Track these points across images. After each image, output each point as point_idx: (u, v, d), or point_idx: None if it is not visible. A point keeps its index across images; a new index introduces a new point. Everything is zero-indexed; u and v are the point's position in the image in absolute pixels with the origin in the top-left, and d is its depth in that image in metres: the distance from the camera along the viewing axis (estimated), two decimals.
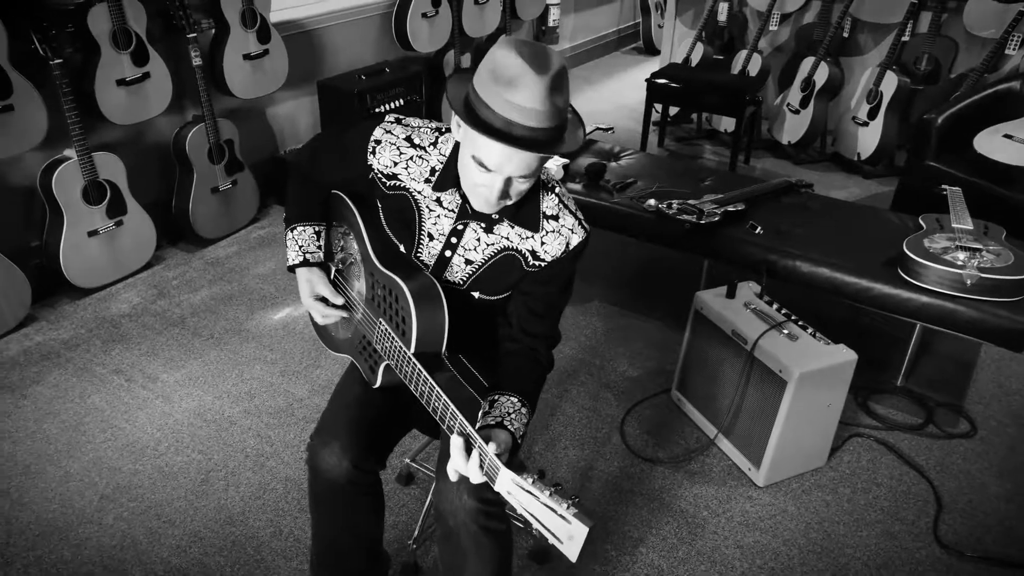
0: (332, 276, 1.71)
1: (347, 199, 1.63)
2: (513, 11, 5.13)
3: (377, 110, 3.97)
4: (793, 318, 2.30)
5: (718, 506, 2.21)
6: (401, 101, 4.11)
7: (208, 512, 2.15)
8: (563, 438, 2.45)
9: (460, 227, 1.48)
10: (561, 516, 1.13)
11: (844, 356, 2.17)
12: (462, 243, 1.49)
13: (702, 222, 2.71)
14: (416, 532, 1.99)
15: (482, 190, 1.35)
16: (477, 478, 1.28)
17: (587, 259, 1.52)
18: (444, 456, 1.59)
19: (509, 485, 1.20)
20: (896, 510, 2.20)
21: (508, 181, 1.31)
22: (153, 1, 3.07)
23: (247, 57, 3.48)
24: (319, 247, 1.67)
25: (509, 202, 1.38)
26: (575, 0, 6.29)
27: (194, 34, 3.19)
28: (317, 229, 1.67)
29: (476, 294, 1.54)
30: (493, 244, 1.48)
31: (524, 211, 1.45)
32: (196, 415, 2.50)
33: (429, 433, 1.86)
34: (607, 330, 3.00)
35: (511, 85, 1.22)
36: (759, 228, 2.72)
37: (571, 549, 1.13)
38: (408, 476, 2.26)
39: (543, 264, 1.48)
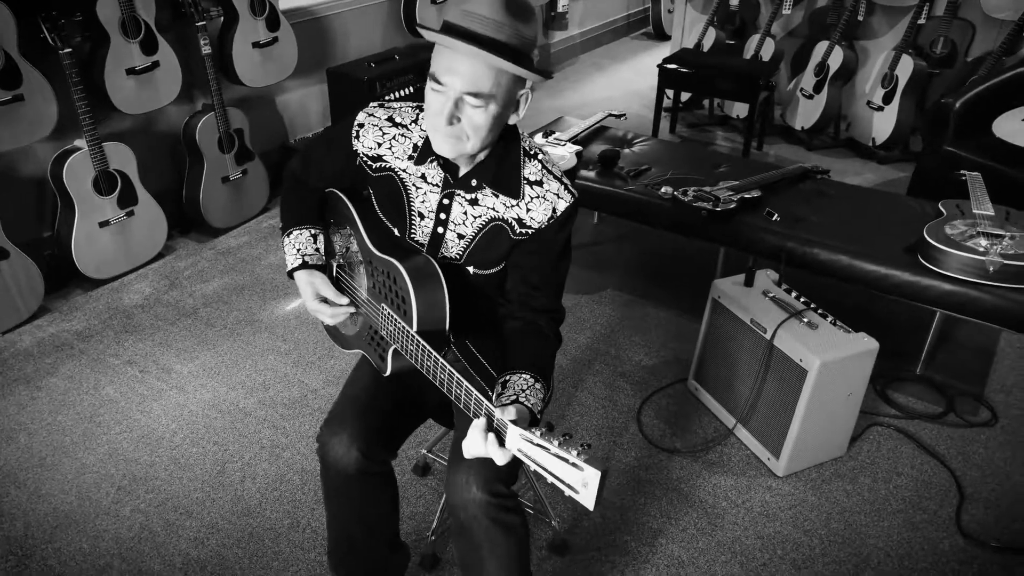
0: (335, 275, 1.70)
1: (342, 195, 1.63)
2: None
3: (387, 97, 3.93)
4: (812, 306, 2.27)
5: (737, 496, 2.19)
6: (411, 88, 4.07)
7: (225, 504, 2.14)
8: (580, 428, 2.43)
9: (446, 200, 1.47)
10: (573, 464, 1.10)
11: (865, 345, 2.14)
12: (451, 218, 1.48)
13: (718, 209, 2.68)
14: (434, 523, 1.98)
15: (437, 121, 1.31)
16: (499, 457, 1.22)
17: (599, 247, 1.49)
18: (457, 447, 1.57)
19: (519, 442, 1.19)
20: (918, 500, 2.18)
21: (459, 103, 1.29)
22: None
23: (256, 45, 3.45)
24: (317, 249, 1.65)
25: (468, 143, 1.34)
26: None
27: (203, 22, 3.16)
28: (313, 232, 1.65)
29: (471, 269, 1.53)
30: (481, 216, 1.47)
31: (504, 177, 1.44)
32: (211, 406, 2.49)
33: (444, 423, 1.85)
34: (621, 319, 2.98)
35: None
36: (776, 215, 2.69)
37: (587, 497, 1.11)
38: (425, 467, 2.25)
39: (531, 232, 1.46)
